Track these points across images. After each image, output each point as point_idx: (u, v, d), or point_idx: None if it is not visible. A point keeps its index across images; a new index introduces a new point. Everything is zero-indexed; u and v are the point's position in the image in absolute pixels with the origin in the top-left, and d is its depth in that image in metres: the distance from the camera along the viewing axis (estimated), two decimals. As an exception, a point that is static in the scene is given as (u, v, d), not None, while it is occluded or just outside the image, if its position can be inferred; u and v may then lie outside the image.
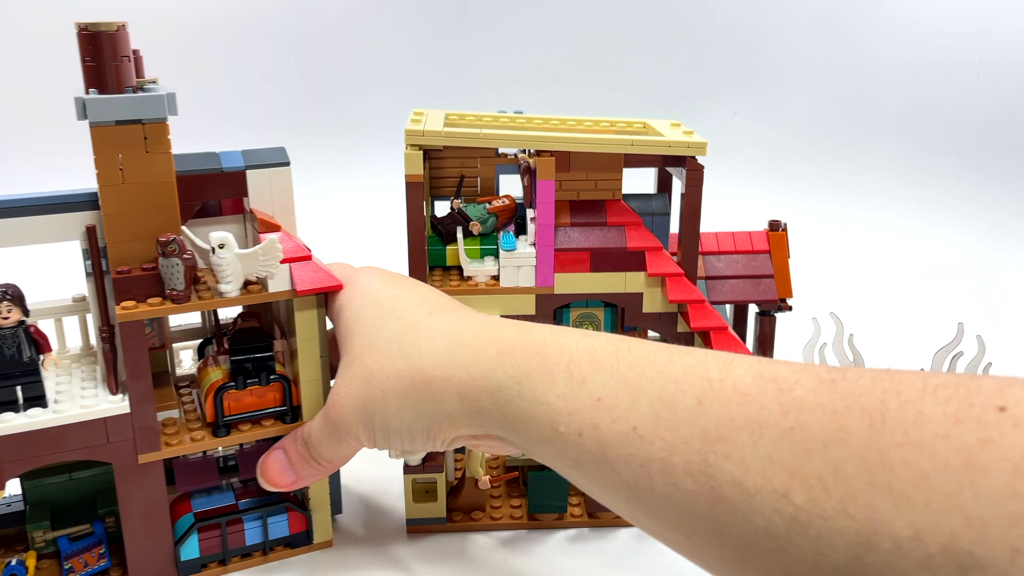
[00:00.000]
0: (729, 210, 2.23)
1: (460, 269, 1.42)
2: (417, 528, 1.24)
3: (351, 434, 1.00)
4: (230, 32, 3.44)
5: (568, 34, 3.50)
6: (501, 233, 1.40)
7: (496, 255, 1.41)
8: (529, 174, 1.38)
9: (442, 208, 1.49)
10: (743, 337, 1.56)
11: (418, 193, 1.32)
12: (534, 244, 1.36)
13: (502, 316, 1.38)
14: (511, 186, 1.51)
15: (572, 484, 1.29)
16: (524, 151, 1.45)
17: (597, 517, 1.25)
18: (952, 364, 1.33)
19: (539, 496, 1.24)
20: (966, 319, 1.36)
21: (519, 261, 1.37)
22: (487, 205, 1.43)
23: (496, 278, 1.39)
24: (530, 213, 1.38)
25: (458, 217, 1.42)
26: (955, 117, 3.15)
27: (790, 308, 1.49)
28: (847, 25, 3.38)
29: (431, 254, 1.43)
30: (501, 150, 1.49)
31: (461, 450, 1.30)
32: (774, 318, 1.50)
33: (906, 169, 3.02)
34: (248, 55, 3.43)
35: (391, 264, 1.72)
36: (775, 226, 1.51)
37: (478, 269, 1.40)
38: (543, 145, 1.32)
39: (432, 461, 1.22)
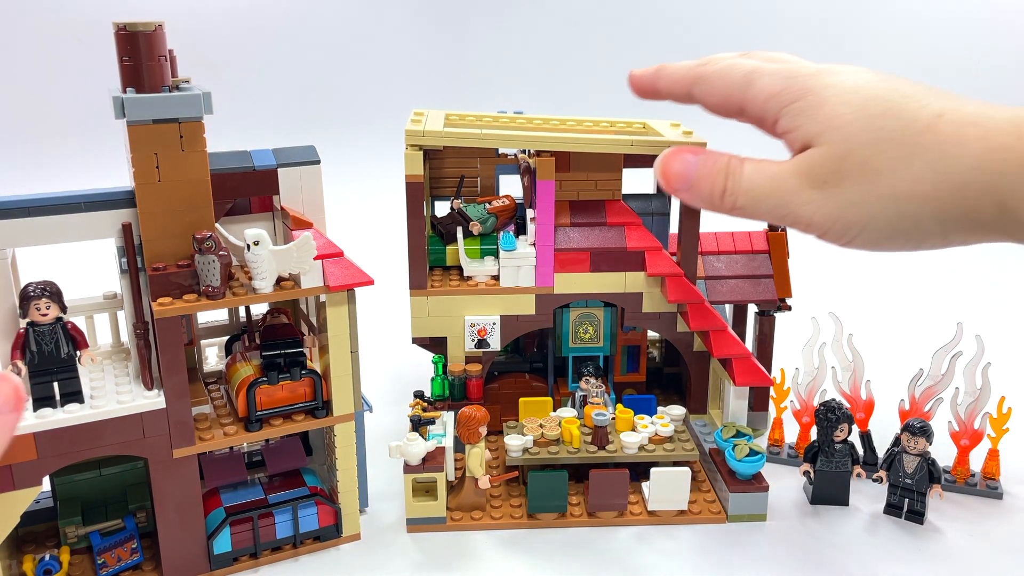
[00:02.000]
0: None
1: (460, 269, 1.42)
2: (417, 527, 1.24)
3: (799, 217, 0.86)
4: (227, 31, 3.44)
5: (568, 34, 3.50)
6: (501, 233, 1.40)
7: (496, 255, 1.41)
8: (529, 174, 1.38)
9: (442, 208, 1.49)
10: (743, 337, 1.56)
11: (418, 193, 1.33)
12: (534, 244, 1.36)
13: (504, 316, 1.39)
14: (511, 186, 1.51)
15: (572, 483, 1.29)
16: (524, 151, 1.45)
17: (597, 517, 1.25)
18: (951, 364, 1.33)
19: (539, 496, 1.24)
20: (966, 319, 1.36)
21: (519, 261, 1.38)
22: (487, 205, 1.43)
23: (496, 278, 1.40)
24: (530, 213, 1.38)
25: (458, 217, 1.42)
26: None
27: (789, 308, 1.49)
28: (846, 25, 3.38)
29: (431, 254, 1.43)
30: (501, 150, 1.50)
31: (461, 449, 1.30)
32: (773, 318, 1.51)
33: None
34: (246, 54, 3.43)
35: (391, 264, 1.73)
36: (774, 226, 1.51)
37: (478, 269, 1.40)
38: (543, 145, 1.32)
39: (432, 461, 1.22)
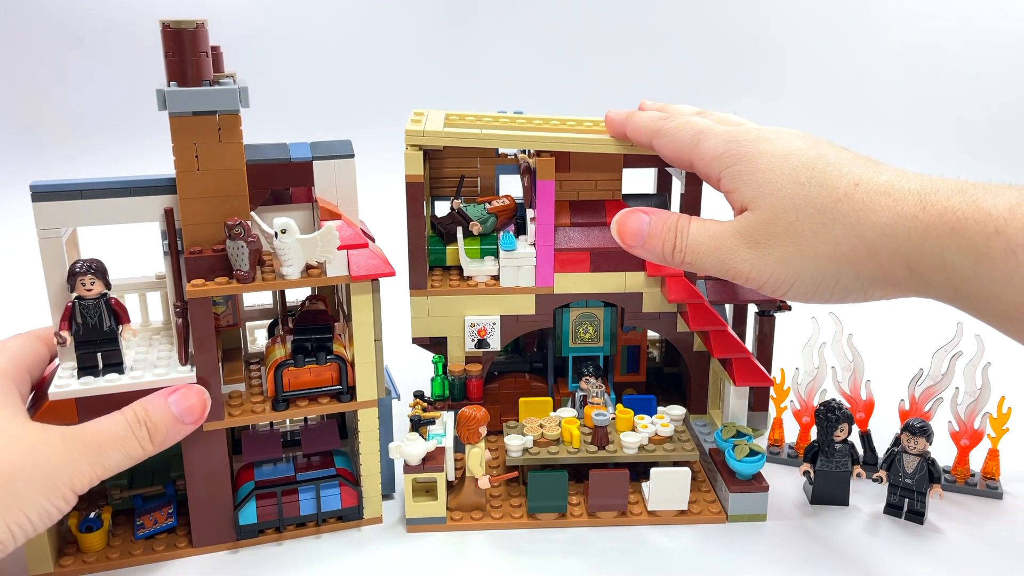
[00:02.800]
0: (729, 210, 2.22)
1: (460, 269, 1.42)
2: (417, 527, 1.24)
3: (739, 272, 0.99)
4: (225, 31, 3.44)
5: (569, 34, 3.50)
6: (501, 233, 1.40)
7: (496, 255, 1.41)
8: (529, 174, 1.38)
9: (442, 208, 1.49)
10: (742, 337, 1.56)
11: (418, 193, 1.33)
12: (534, 244, 1.36)
13: (504, 316, 1.39)
14: (511, 186, 1.51)
15: (571, 483, 1.29)
16: (524, 151, 1.45)
17: (597, 517, 1.25)
18: (951, 364, 1.33)
19: (539, 496, 1.24)
20: (965, 319, 1.36)
21: (519, 261, 1.38)
22: (487, 205, 1.43)
23: (496, 278, 1.40)
24: (530, 213, 1.38)
25: (458, 217, 1.42)
26: (955, 116, 3.15)
27: (789, 308, 1.49)
28: (847, 26, 3.38)
29: (431, 254, 1.43)
30: (501, 150, 1.50)
31: (461, 449, 1.30)
32: (773, 318, 1.51)
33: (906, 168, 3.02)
34: (244, 54, 3.43)
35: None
36: (775, 226, 1.51)
37: (478, 269, 1.40)
38: (543, 145, 1.32)
39: (432, 461, 1.22)
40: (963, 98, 3.19)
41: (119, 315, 1.10)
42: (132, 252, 1.41)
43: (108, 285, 1.09)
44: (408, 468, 1.22)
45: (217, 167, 1.11)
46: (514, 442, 1.27)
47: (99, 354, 1.10)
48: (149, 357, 1.17)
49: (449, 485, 1.28)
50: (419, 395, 1.39)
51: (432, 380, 1.41)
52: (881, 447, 1.36)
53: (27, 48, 3.37)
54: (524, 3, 3.52)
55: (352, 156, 1.26)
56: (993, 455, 1.32)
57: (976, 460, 1.36)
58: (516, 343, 1.56)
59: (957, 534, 1.23)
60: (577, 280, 1.39)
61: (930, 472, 1.23)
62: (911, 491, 1.25)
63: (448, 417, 1.32)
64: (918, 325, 1.97)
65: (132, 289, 1.24)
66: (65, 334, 1.08)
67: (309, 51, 3.48)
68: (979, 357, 1.32)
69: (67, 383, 1.09)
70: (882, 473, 1.27)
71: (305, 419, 1.34)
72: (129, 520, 1.23)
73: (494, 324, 1.39)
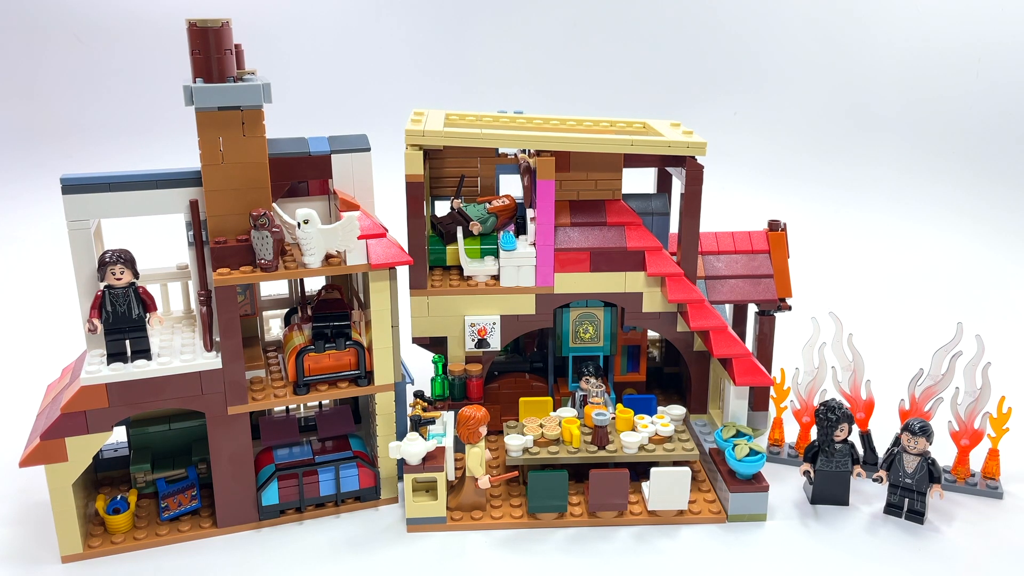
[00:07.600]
0: (729, 210, 2.23)
1: (460, 269, 1.42)
2: (417, 527, 1.24)
3: None
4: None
5: (568, 34, 3.50)
6: (501, 233, 1.40)
7: (496, 255, 1.41)
8: (529, 174, 1.38)
9: (442, 208, 1.49)
10: (743, 337, 1.56)
11: (418, 193, 1.33)
12: (534, 244, 1.36)
13: (504, 315, 1.39)
14: (511, 186, 1.51)
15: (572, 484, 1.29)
16: (524, 151, 1.45)
17: (597, 517, 1.25)
18: (951, 364, 1.33)
19: (539, 496, 1.24)
20: (965, 319, 1.36)
21: (519, 261, 1.38)
22: (487, 205, 1.43)
23: (496, 278, 1.40)
24: (530, 213, 1.38)
25: (458, 217, 1.42)
26: (955, 117, 3.15)
27: (789, 308, 1.49)
28: (847, 25, 3.38)
29: (431, 254, 1.43)
30: (501, 150, 1.50)
31: (461, 449, 1.30)
32: (773, 318, 1.51)
33: (906, 169, 3.02)
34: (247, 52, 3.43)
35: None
36: (774, 226, 1.51)
37: (478, 269, 1.40)
38: (543, 145, 1.32)
39: (432, 461, 1.22)
40: (962, 98, 3.19)
41: (146, 303, 1.14)
42: (147, 245, 1.43)
43: (136, 274, 1.13)
44: (408, 468, 1.22)
45: (241, 160, 1.15)
46: (514, 442, 1.27)
47: (127, 341, 1.13)
48: (173, 344, 1.20)
49: (449, 485, 1.28)
50: (419, 395, 1.39)
51: (432, 380, 1.41)
52: (881, 447, 1.36)
53: (24, 46, 3.37)
54: (524, 3, 3.52)
55: (368, 150, 1.31)
56: (993, 455, 1.32)
57: (976, 460, 1.36)
58: (516, 343, 1.56)
59: (957, 534, 1.23)
60: (577, 280, 1.39)
61: (930, 472, 1.23)
62: (911, 491, 1.25)
63: (448, 417, 1.32)
64: (918, 325, 1.97)
65: (154, 280, 1.27)
66: (96, 322, 1.12)
67: (308, 51, 3.48)
68: (979, 357, 1.32)
69: (98, 369, 1.12)
70: (882, 473, 1.27)
71: (320, 405, 1.38)
72: (153, 504, 1.27)
73: (494, 324, 1.39)
